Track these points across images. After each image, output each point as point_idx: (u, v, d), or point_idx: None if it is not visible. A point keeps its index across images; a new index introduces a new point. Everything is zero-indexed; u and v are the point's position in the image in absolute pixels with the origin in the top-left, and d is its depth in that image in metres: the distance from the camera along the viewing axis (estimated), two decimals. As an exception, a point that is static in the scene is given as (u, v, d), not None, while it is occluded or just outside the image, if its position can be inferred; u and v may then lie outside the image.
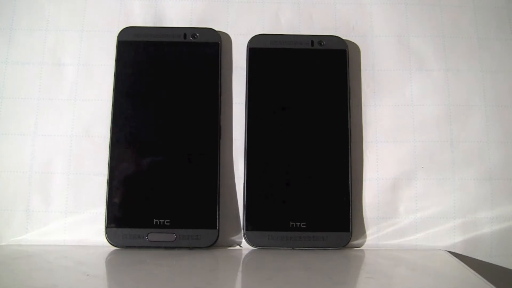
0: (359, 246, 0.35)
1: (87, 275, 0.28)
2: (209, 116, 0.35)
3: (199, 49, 0.36)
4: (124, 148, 0.34)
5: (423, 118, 0.37)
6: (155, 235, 0.33)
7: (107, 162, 0.34)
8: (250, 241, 0.34)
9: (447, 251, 0.34)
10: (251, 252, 0.34)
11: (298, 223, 0.34)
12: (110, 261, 0.32)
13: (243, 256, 0.33)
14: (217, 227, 0.33)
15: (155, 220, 0.33)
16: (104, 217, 0.33)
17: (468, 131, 0.36)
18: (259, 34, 0.37)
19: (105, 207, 0.33)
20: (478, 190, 0.36)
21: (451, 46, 0.38)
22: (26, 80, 0.37)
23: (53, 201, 0.35)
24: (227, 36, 0.38)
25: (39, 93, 0.36)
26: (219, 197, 0.34)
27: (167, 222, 0.33)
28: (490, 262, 0.35)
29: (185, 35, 0.36)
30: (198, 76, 0.35)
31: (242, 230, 0.34)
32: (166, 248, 0.33)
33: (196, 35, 0.36)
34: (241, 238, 0.35)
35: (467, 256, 0.35)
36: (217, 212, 0.34)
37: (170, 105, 0.35)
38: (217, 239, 0.33)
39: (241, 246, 0.35)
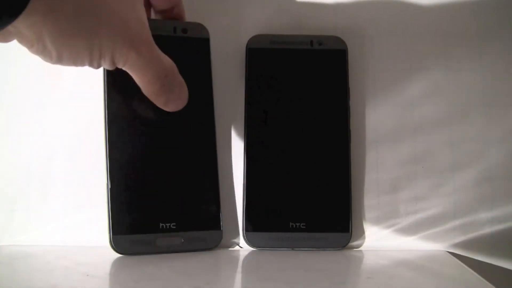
0: (359, 246, 0.35)
1: (87, 275, 0.28)
2: (208, 117, 0.35)
3: (190, 45, 0.35)
4: (123, 153, 0.32)
5: (423, 118, 0.37)
6: (163, 240, 0.32)
7: (106, 168, 0.32)
8: (249, 242, 0.34)
9: (447, 251, 0.34)
10: (251, 253, 0.34)
11: (297, 224, 0.34)
12: (110, 261, 0.32)
13: (242, 257, 0.33)
14: (221, 228, 0.33)
15: (161, 224, 0.32)
16: (108, 225, 0.32)
17: (468, 131, 0.36)
18: (259, 34, 0.36)
19: (108, 214, 0.32)
20: (478, 190, 0.35)
21: (451, 46, 0.38)
22: (26, 79, 0.37)
23: (53, 201, 0.35)
24: (223, 34, 0.37)
25: (39, 93, 0.36)
26: (220, 197, 0.34)
27: (173, 225, 0.32)
28: (490, 262, 0.35)
29: (175, 29, 0.34)
30: (191, 74, 0.34)
31: (241, 231, 0.34)
32: (173, 252, 0.32)
33: (186, 29, 0.35)
34: (241, 239, 0.35)
35: (467, 257, 0.35)
36: (221, 212, 0.33)
37: None
38: (221, 239, 0.34)
39: (240, 247, 0.35)
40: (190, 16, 0.38)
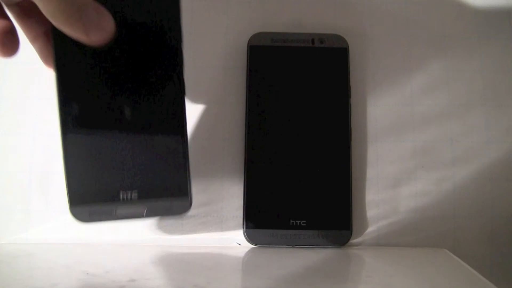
0: (359, 244, 0.35)
1: (87, 273, 0.28)
2: (175, 85, 0.30)
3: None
4: (79, 118, 0.29)
5: (423, 117, 0.37)
6: (123, 209, 0.29)
7: (61, 135, 0.29)
8: (250, 239, 0.34)
9: (447, 249, 0.34)
10: (251, 250, 0.34)
11: (298, 221, 0.34)
12: (110, 259, 0.32)
13: (243, 254, 0.33)
14: (189, 195, 0.30)
15: (122, 193, 0.29)
16: (66, 194, 0.29)
17: (468, 131, 0.37)
18: (260, 32, 0.37)
19: (65, 184, 0.29)
20: (478, 190, 0.36)
21: (451, 46, 0.38)
22: (26, 79, 0.37)
23: (53, 200, 0.35)
24: (224, 31, 0.37)
25: (39, 93, 0.36)
26: (188, 161, 0.30)
27: (135, 194, 0.30)
28: (490, 260, 0.35)
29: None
30: (160, 35, 0.29)
31: (242, 228, 0.34)
32: (135, 219, 0.30)
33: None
34: (241, 236, 0.35)
35: (467, 255, 0.35)
36: (188, 177, 0.30)
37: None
38: (190, 207, 0.30)
39: (239, 244, 0.35)
40: (191, 13, 0.38)
